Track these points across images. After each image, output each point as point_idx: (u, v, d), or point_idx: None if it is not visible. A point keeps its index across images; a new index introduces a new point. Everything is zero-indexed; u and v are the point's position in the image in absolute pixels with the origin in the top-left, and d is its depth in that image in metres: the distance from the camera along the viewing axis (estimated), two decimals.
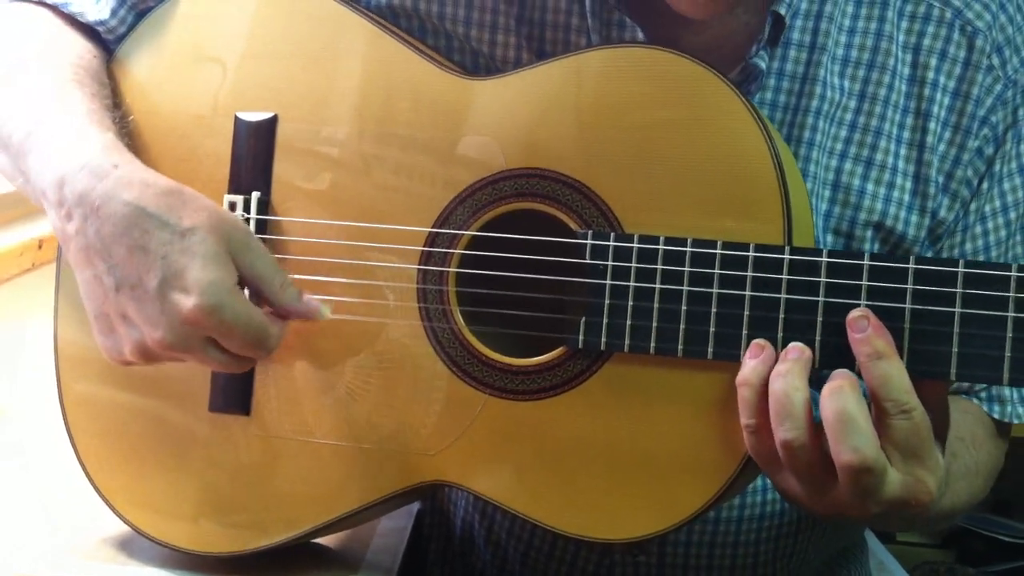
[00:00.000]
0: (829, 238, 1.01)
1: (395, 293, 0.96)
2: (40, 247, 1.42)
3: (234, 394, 1.01)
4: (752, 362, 0.83)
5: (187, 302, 0.86)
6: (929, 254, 1.02)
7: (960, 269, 0.80)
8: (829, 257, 0.83)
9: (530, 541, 1.13)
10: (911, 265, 0.81)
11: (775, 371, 0.82)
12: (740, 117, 0.88)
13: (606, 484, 0.90)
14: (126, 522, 1.03)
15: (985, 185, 1.02)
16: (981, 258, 1.03)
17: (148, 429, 1.03)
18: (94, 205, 0.89)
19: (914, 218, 1.01)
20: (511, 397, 0.93)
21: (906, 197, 1.01)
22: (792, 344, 0.83)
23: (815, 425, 0.82)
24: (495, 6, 1.03)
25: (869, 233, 1.01)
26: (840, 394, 0.80)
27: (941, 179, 1.01)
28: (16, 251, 1.39)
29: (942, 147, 1.01)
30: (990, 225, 1.03)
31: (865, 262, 0.82)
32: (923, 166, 1.01)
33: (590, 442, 0.90)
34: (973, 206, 1.02)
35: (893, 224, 1.00)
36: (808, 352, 0.83)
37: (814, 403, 0.82)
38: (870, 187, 1.00)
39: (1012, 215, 1.03)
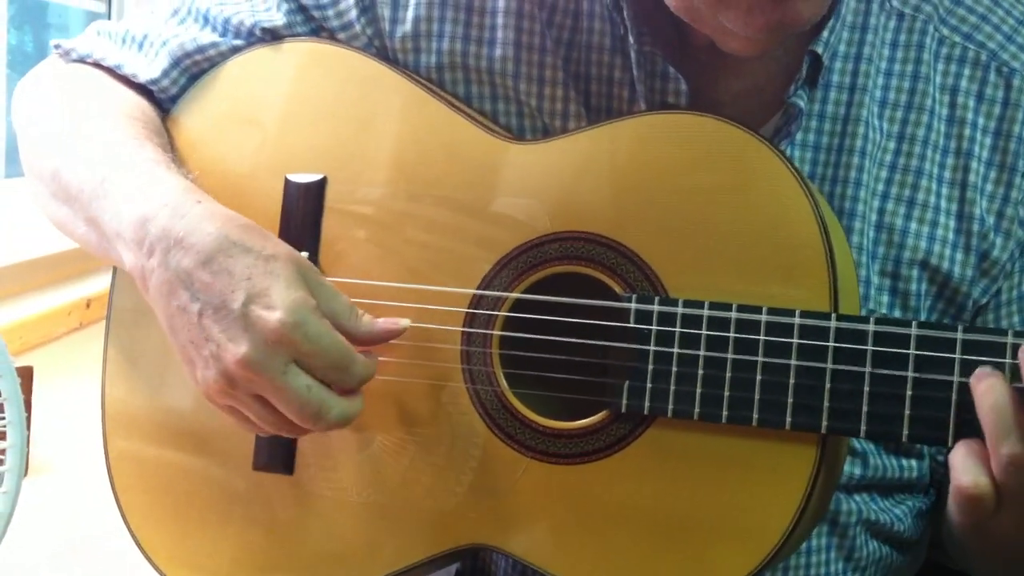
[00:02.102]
0: (875, 279, 1.00)
1: (439, 355, 0.97)
2: (88, 306, 1.44)
3: (277, 453, 1.01)
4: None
5: (272, 317, 0.86)
6: (985, 299, 1.02)
7: (1009, 340, 0.79)
8: (876, 325, 0.83)
9: None
10: (959, 335, 0.81)
11: (980, 390, 0.80)
12: (785, 182, 0.88)
13: (649, 550, 0.89)
14: None
15: None
16: None
17: (192, 487, 1.04)
18: (178, 237, 0.90)
19: (959, 256, 1.00)
20: (553, 461, 0.93)
21: (950, 235, 1.00)
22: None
23: None
24: (542, 60, 1.04)
25: (915, 272, 1.00)
26: None
27: (992, 219, 1.00)
28: (64, 310, 1.41)
29: (989, 187, 1.00)
30: None
31: (913, 331, 0.82)
32: (966, 204, 1.00)
33: (633, 507, 0.90)
34: None
35: (938, 262, 1.00)
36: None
37: None
38: (913, 226, 1.00)
39: None
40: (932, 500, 1.10)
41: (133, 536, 1.05)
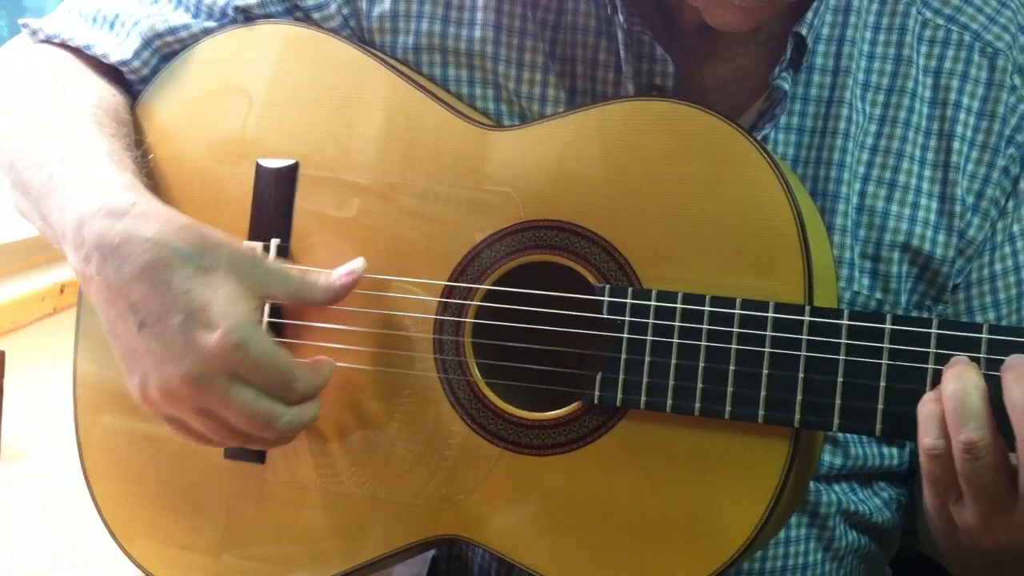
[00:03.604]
0: (857, 261, 1.00)
1: (411, 344, 0.96)
2: (62, 291, 1.43)
3: None
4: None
5: (212, 336, 0.85)
6: (960, 279, 1.01)
7: (984, 335, 0.78)
8: (850, 319, 0.82)
9: None
10: (933, 330, 0.80)
11: (947, 375, 0.79)
12: (760, 172, 0.87)
13: (622, 542, 0.89)
14: (139, 567, 1.03)
15: (1011, 204, 1.01)
16: (1012, 279, 1.02)
17: (164, 475, 1.03)
18: (113, 244, 0.88)
19: (941, 237, 1.00)
20: (525, 452, 0.92)
21: (932, 217, 1.00)
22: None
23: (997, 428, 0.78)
24: (522, 43, 1.03)
25: (896, 255, 1.00)
26: None
27: (971, 199, 1.00)
28: (38, 296, 1.40)
29: (970, 166, 1.00)
30: (1019, 245, 1.02)
31: (887, 325, 0.81)
32: (948, 186, 1.00)
33: (605, 499, 0.89)
34: (1000, 225, 1.01)
35: (920, 244, 1.00)
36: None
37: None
38: (894, 208, 1.00)
39: None
40: (910, 491, 1.10)
41: (105, 523, 1.05)
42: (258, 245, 0.99)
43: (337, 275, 0.93)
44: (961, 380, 0.78)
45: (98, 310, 0.92)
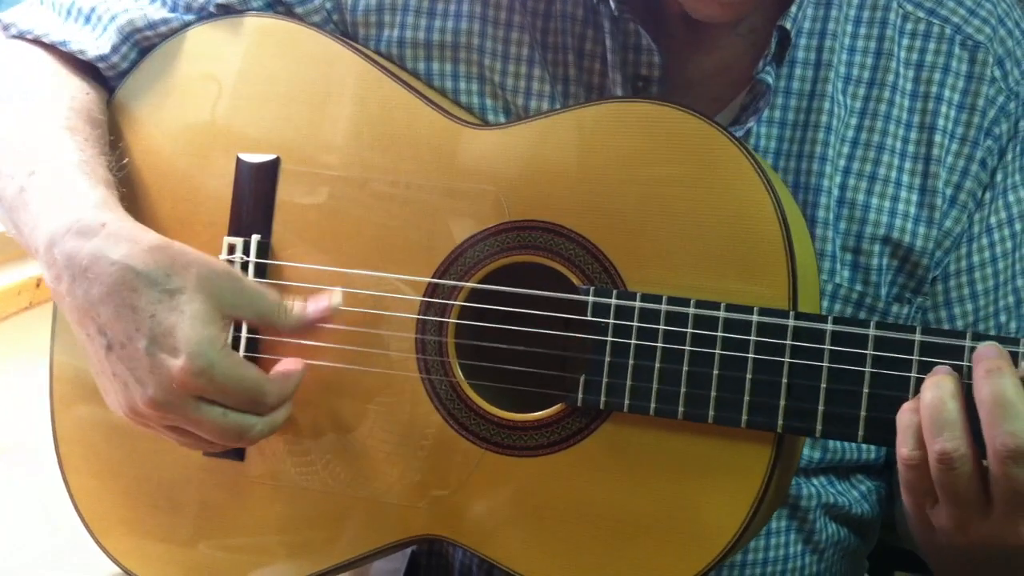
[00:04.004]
0: (838, 254, 1.01)
1: (393, 343, 0.95)
2: (38, 286, 1.42)
3: None
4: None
5: (176, 363, 0.86)
6: (938, 271, 1.02)
7: (967, 343, 0.78)
8: (834, 324, 0.82)
9: None
10: (917, 337, 0.80)
11: (925, 384, 0.79)
12: (746, 176, 0.87)
13: (604, 545, 0.89)
14: (117, 563, 1.03)
15: (987, 196, 1.02)
16: (989, 270, 1.02)
17: (142, 470, 1.02)
18: (82, 266, 0.89)
19: (921, 229, 1.01)
20: (508, 453, 0.92)
21: (912, 209, 1.01)
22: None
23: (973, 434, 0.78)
24: (507, 35, 1.03)
25: (877, 247, 1.01)
26: (998, 376, 0.77)
27: (950, 191, 1.01)
28: (14, 290, 1.39)
29: (950, 159, 1.01)
30: (996, 237, 1.02)
31: (871, 331, 0.81)
32: (930, 178, 1.01)
33: (588, 502, 0.89)
34: (976, 216, 1.02)
35: (900, 236, 1.00)
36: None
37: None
38: (875, 201, 1.01)
39: (1018, 227, 1.03)
40: (887, 483, 1.11)
41: (81, 518, 1.04)
42: (236, 262, 0.98)
43: (312, 308, 0.92)
44: (939, 388, 0.79)
45: (72, 328, 0.92)
